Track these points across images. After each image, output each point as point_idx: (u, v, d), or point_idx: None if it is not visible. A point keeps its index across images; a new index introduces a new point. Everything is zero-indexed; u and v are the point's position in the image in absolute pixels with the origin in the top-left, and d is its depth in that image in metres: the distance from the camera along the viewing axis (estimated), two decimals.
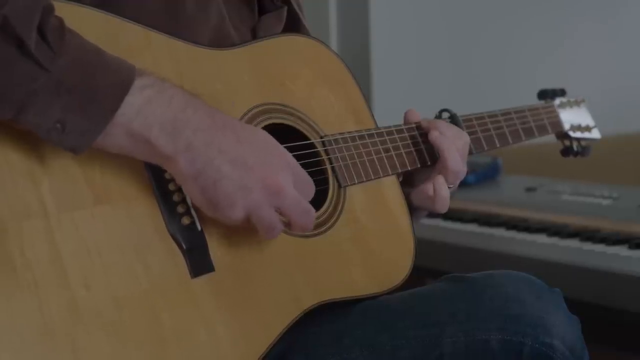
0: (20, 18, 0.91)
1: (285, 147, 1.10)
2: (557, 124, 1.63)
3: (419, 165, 1.34)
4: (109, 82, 0.95)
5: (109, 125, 0.95)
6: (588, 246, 1.92)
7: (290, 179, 1.06)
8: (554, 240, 1.99)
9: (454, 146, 1.31)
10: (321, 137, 1.24)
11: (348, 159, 1.25)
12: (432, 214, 1.41)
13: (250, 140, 1.04)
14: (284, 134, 1.19)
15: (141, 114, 0.97)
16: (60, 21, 0.95)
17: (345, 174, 1.24)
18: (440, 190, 1.29)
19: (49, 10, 0.94)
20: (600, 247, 1.90)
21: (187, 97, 1.01)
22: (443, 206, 1.30)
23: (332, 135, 1.25)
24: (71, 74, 0.93)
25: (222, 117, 1.04)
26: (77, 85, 0.93)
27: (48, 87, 0.92)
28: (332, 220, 1.22)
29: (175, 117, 0.99)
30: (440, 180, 1.30)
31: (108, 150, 0.98)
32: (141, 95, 0.97)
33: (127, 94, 0.96)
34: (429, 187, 1.30)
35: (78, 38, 0.96)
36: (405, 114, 1.37)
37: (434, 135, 1.31)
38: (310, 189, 1.09)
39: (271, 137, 1.07)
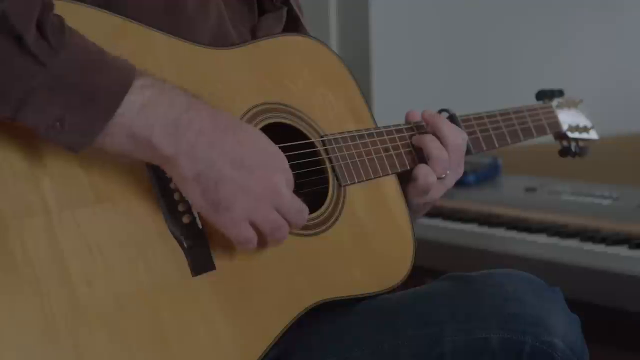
0: (19, 14, 0.90)
1: (285, 146, 1.10)
2: (555, 124, 1.63)
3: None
4: (109, 81, 0.95)
5: (109, 124, 0.95)
6: (588, 246, 1.92)
7: (284, 180, 1.06)
8: (554, 240, 1.99)
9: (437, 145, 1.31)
10: (321, 137, 1.25)
11: (348, 158, 1.26)
12: (431, 213, 1.41)
13: (251, 142, 1.05)
14: (284, 133, 1.19)
15: (142, 114, 0.96)
16: (60, 19, 0.95)
17: (345, 173, 1.25)
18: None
19: (48, 7, 0.94)
20: (600, 247, 1.90)
21: (189, 98, 1.01)
22: (426, 184, 1.30)
23: (332, 134, 1.25)
24: (71, 71, 0.93)
25: (224, 118, 1.04)
26: (77, 83, 0.93)
27: (47, 84, 0.91)
28: (332, 220, 1.22)
29: (177, 118, 0.99)
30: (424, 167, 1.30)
31: (108, 151, 0.98)
32: (142, 95, 0.97)
33: (128, 93, 0.96)
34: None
35: (78, 37, 0.96)
36: (407, 115, 1.37)
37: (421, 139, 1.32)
38: (291, 185, 1.09)
39: (267, 137, 1.08)
